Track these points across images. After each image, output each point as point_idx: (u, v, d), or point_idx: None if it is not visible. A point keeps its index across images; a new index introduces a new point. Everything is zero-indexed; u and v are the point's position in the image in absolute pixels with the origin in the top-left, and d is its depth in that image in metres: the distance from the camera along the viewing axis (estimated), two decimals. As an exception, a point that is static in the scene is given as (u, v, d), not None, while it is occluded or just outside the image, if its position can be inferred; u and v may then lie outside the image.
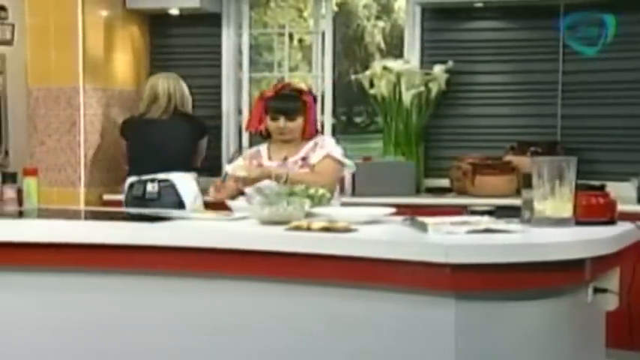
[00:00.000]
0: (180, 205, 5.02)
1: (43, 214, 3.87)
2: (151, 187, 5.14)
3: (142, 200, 5.10)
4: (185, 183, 5.21)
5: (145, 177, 5.18)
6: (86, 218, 4.09)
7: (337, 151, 4.04)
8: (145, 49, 6.10)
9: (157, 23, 6.12)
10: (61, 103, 5.49)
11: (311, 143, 4.05)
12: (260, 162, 4.04)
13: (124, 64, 5.86)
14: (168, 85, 5.37)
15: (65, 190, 5.47)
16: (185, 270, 3.03)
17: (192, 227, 3.32)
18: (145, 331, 3.11)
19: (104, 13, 5.66)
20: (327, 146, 4.04)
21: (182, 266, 3.02)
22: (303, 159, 4.00)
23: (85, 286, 3.15)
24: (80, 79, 5.47)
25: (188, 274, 3.03)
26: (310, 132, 4.07)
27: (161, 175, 5.16)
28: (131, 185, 5.25)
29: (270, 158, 4.06)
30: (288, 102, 4.03)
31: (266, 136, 4.12)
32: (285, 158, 4.00)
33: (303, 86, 4.22)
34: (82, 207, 5.29)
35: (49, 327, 3.19)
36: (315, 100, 4.17)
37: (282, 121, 4.00)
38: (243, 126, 5.94)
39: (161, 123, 5.30)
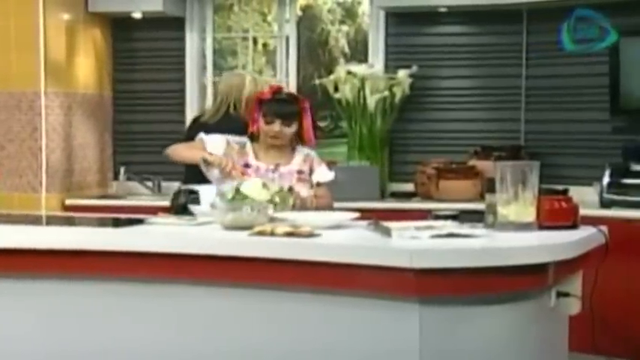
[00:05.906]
0: None
1: (3, 219, 3.82)
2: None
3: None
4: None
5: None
6: (47, 224, 4.04)
7: (331, 175, 4.00)
8: (107, 52, 6.05)
9: (119, 27, 6.08)
10: (22, 108, 5.43)
11: (301, 154, 3.96)
12: (246, 160, 3.88)
13: (86, 68, 5.81)
14: (219, 84, 4.98)
15: (26, 195, 5.41)
16: (149, 275, 3.00)
17: (155, 232, 3.28)
18: (112, 336, 3.07)
19: (66, 16, 5.61)
20: (324, 168, 3.99)
21: (145, 271, 2.99)
22: (299, 172, 3.91)
23: (45, 291, 3.11)
24: (42, 83, 5.42)
25: (152, 280, 3.01)
26: (309, 139, 3.97)
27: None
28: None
29: (257, 158, 3.90)
30: (285, 106, 3.90)
31: (256, 137, 3.95)
32: (277, 165, 3.89)
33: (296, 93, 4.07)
34: (43, 212, 5.23)
35: (16, 334, 3.15)
36: (311, 106, 4.03)
37: (277, 125, 3.86)
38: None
39: (204, 126, 4.63)
